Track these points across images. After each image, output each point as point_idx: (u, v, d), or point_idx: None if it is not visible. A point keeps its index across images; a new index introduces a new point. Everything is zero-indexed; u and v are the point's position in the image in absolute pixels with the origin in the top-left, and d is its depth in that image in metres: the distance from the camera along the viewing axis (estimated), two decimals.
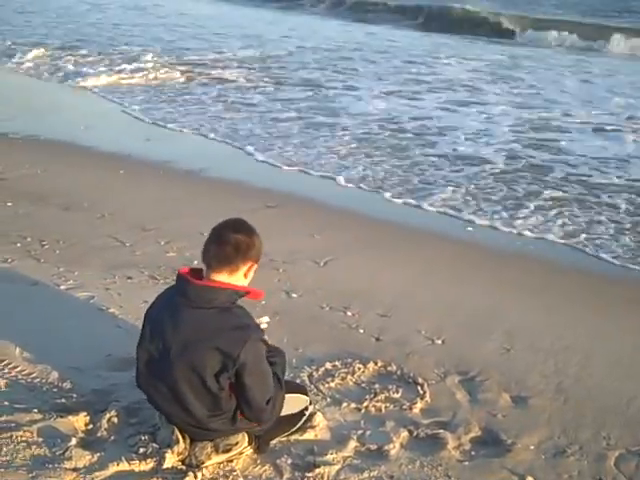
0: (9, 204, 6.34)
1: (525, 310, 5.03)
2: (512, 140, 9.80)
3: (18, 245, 5.45)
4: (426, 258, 5.90)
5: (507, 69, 15.85)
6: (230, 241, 2.96)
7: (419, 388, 3.86)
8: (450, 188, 7.72)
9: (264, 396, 3.05)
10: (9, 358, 3.80)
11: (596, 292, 5.54)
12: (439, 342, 4.46)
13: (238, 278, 3.04)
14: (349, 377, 3.90)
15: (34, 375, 3.67)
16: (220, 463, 3.10)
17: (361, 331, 4.50)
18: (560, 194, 7.70)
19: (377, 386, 3.85)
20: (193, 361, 2.93)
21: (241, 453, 3.14)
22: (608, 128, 10.75)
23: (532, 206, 7.27)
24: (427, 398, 3.79)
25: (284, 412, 3.25)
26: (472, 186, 7.86)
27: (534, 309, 5.07)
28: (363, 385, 3.86)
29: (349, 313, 4.73)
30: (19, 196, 6.56)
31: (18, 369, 3.71)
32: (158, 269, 5.17)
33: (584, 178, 8.30)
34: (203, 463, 3.06)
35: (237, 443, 3.11)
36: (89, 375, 3.70)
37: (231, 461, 3.12)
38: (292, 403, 3.31)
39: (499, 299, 5.18)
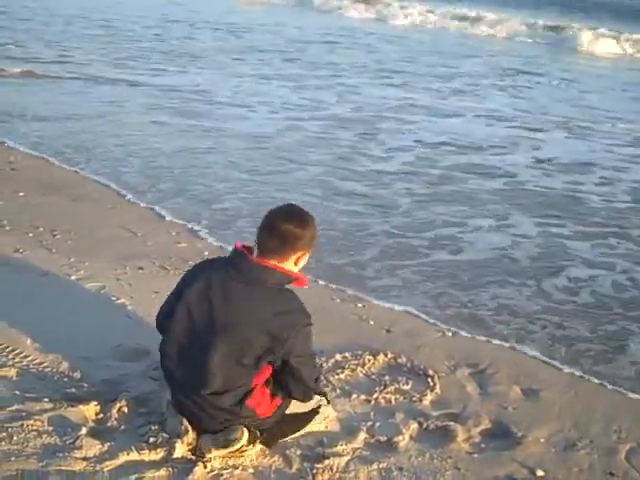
0: (21, 194, 6.36)
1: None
2: None
3: (30, 235, 5.46)
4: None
5: None
6: (278, 232, 2.96)
7: (429, 380, 3.85)
8: None
9: (312, 376, 3.16)
10: (20, 347, 3.81)
11: None
12: (449, 334, 4.45)
13: (289, 265, 3.05)
14: (359, 369, 3.90)
15: (45, 364, 3.68)
16: (230, 455, 3.09)
17: (371, 322, 4.50)
18: None
19: (387, 378, 3.84)
20: (239, 337, 2.95)
21: (241, 451, 3.10)
22: None
23: None
24: (437, 390, 3.78)
25: (297, 409, 3.25)
26: None
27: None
28: (373, 377, 3.85)
29: (359, 305, 4.73)
30: (31, 186, 6.58)
31: (29, 358, 3.73)
32: (169, 260, 5.17)
33: None
34: (204, 457, 3.06)
35: (235, 440, 3.07)
36: (99, 365, 3.71)
37: (239, 455, 3.12)
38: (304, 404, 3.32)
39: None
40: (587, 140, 10.10)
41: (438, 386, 3.81)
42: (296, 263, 3.07)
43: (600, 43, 19.00)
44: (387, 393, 3.70)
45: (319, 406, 3.35)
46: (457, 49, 17.83)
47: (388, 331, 4.40)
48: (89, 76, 11.80)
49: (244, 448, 3.10)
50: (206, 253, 5.25)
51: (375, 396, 3.67)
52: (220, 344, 2.97)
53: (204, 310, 3.01)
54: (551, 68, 15.52)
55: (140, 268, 5.02)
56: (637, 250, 6.30)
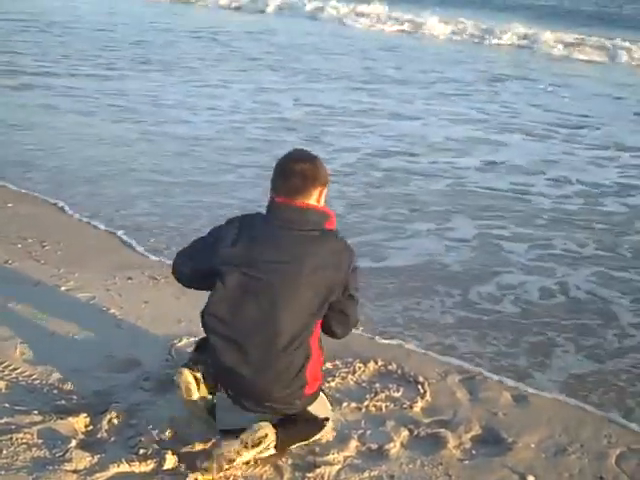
0: (9, 205, 6.34)
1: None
2: None
3: (19, 246, 5.45)
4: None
5: None
6: (296, 172, 3.06)
7: (419, 387, 3.86)
8: None
9: (356, 311, 3.29)
10: (9, 360, 3.80)
11: None
12: (433, 339, 4.47)
13: (313, 203, 3.14)
14: (349, 376, 3.90)
15: (34, 377, 3.67)
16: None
17: (361, 329, 4.50)
18: None
19: (378, 385, 3.84)
20: (302, 282, 3.00)
21: (268, 448, 3.06)
22: None
23: None
24: (427, 397, 3.78)
25: (317, 411, 3.26)
26: None
27: None
28: (364, 384, 3.85)
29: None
30: (19, 197, 6.56)
31: (18, 371, 3.72)
32: (159, 269, 5.17)
33: None
34: (233, 461, 2.99)
35: (266, 435, 3.04)
36: (89, 376, 3.70)
37: (255, 462, 3.10)
38: (323, 405, 3.33)
39: None
40: (549, 143, 9.84)
41: (428, 393, 3.81)
42: (318, 201, 3.14)
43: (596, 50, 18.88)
44: (378, 401, 3.70)
45: (327, 418, 3.35)
46: (451, 55, 17.79)
47: (378, 338, 4.40)
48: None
49: (270, 445, 3.07)
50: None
51: (366, 404, 3.67)
52: (284, 292, 2.99)
53: (256, 262, 3.03)
54: (543, 74, 15.45)
55: (129, 278, 5.01)
56: (578, 254, 6.10)
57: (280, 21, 22.74)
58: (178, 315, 4.44)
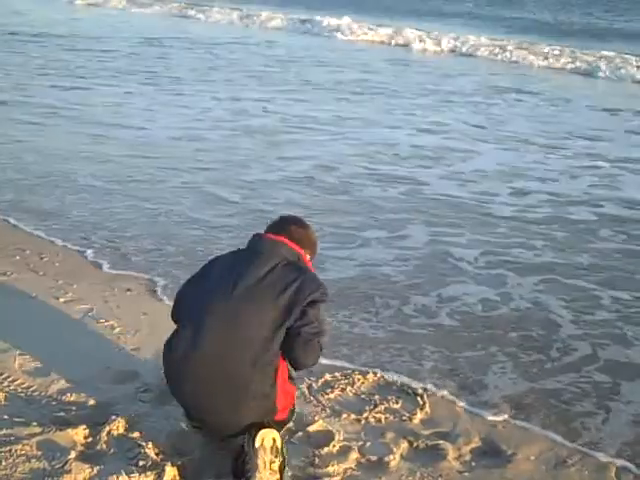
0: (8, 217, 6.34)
1: None
2: None
3: (17, 258, 5.44)
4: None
5: None
6: (285, 230, 3.29)
7: (419, 399, 3.86)
8: None
9: (322, 338, 3.22)
10: (8, 371, 3.80)
11: None
12: (439, 351, 4.46)
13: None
14: (349, 388, 3.89)
15: (33, 388, 3.67)
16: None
17: (359, 342, 4.49)
18: None
19: (377, 397, 3.83)
20: (256, 306, 3.07)
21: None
22: None
23: None
24: (427, 409, 3.78)
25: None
26: None
27: None
28: (363, 396, 3.85)
29: (348, 323, 4.73)
30: (18, 209, 6.56)
31: (17, 382, 3.71)
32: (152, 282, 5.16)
33: None
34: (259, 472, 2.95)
35: (274, 440, 3.05)
36: (88, 388, 3.69)
37: None
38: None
39: None
40: (522, 153, 9.60)
41: (428, 405, 3.81)
42: (304, 257, 3.31)
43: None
44: (377, 412, 3.69)
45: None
46: (455, 67, 17.69)
47: (376, 348, 4.40)
48: None
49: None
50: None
51: (365, 415, 3.66)
52: (242, 313, 3.07)
53: (228, 280, 3.13)
54: (548, 87, 15.34)
55: (128, 290, 5.01)
56: (531, 263, 5.92)
57: (278, 36, 22.75)
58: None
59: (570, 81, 16.84)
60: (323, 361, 3.88)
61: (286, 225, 3.33)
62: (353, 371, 4.05)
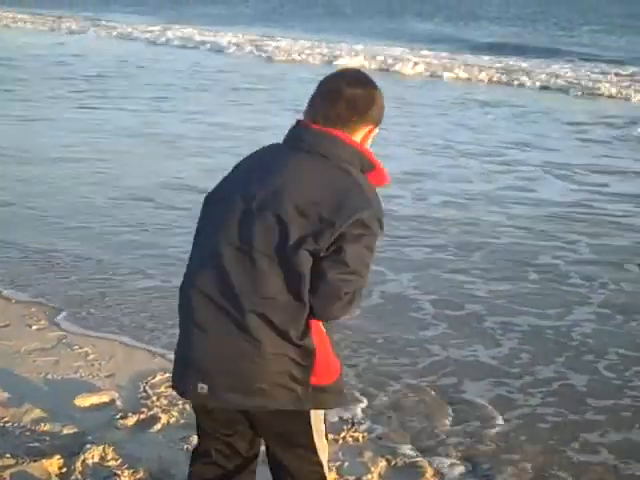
0: None
1: None
2: None
3: None
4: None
5: None
6: (344, 96, 2.23)
7: (396, 416, 3.85)
8: None
9: (351, 283, 2.14)
10: None
11: None
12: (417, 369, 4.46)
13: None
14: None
15: (6, 419, 3.61)
16: None
17: None
18: None
19: (355, 416, 3.83)
20: (280, 216, 2.12)
21: None
22: None
23: None
24: (406, 426, 3.78)
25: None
26: None
27: None
28: (340, 416, 3.84)
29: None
30: None
31: None
32: (126, 308, 5.13)
33: None
34: None
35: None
36: (62, 417, 3.65)
37: None
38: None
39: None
40: (437, 156, 9.93)
41: (407, 422, 3.80)
42: (363, 142, 2.29)
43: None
44: (355, 432, 3.68)
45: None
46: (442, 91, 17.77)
47: (354, 367, 4.39)
48: None
49: None
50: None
51: (343, 435, 3.65)
52: (261, 227, 2.15)
53: (248, 183, 2.23)
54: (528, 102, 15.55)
55: (101, 314, 4.96)
56: (406, 260, 6.14)
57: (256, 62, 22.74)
58: (152, 350, 4.41)
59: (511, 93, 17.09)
60: None
61: (353, 99, 2.23)
62: None
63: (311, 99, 2.30)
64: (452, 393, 4.17)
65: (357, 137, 2.26)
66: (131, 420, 3.64)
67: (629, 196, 8.40)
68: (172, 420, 3.65)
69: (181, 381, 2.30)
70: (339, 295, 2.14)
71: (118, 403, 3.82)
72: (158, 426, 3.59)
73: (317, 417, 2.32)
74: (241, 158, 2.36)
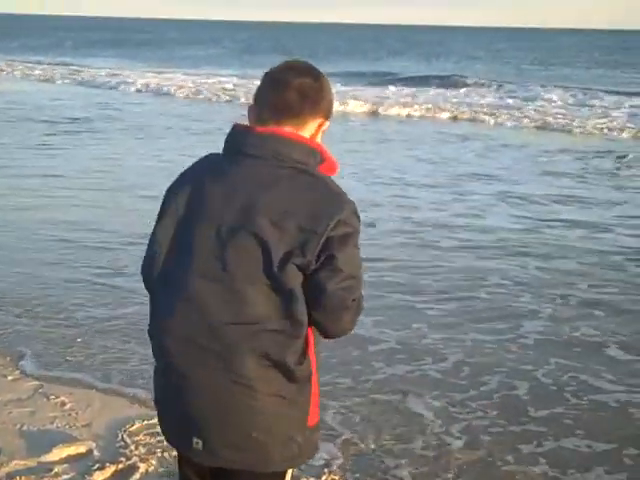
0: None
1: None
2: None
3: None
4: None
5: None
6: (293, 85, 2.05)
7: (373, 453, 3.83)
8: None
9: (353, 289, 1.99)
10: None
11: None
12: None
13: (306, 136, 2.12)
14: None
15: None
16: None
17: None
18: None
19: (336, 460, 3.80)
20: (258, 235, 1.95)
21: None
22: None
23: None
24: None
25: None
26: None
27: None
28: (323, 459, 3.80)
29: None
30: None
31: None
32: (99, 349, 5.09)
33: None
34: None
35: None
36: (39, 470, 3.58)
37: None
38: None
39: None
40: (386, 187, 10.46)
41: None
42: (314, 136, 2.12)
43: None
44: (335, 474, 3.66)
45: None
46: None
47: (325, 406, 4.38)
48: None
49: None
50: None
51: (324, 477, 3.63)
52: (237, 253, 1.97)
53: (197, 220, 2.03)
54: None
55: (74, 366, 4.90)
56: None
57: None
58: (130, 398, 4.37)
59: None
60: None
61: (303, 89, 2.06)
62: None
63: (257, 93, 2.13)
64: (399, 406, 4.34)
65: (307, 131, 2.10)
66: (109, 470, 3.59)
67: (583, 223, 8.73)
68: (151, 469, 3.61)
69: (174, 436, 2.15)
70: (346, 304, 1.98)
71: (95, 453, 3.77)
72: (137, 476, 3.55)
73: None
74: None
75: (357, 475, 3.65)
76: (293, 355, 1.98)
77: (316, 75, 2.11)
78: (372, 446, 3.93)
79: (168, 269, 2.06)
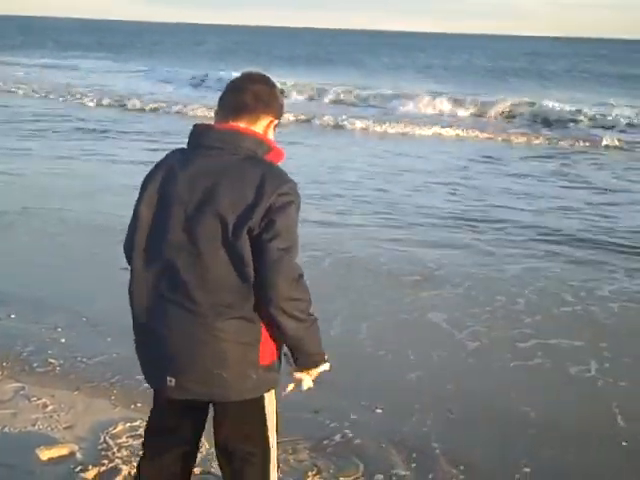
0: None
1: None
2: None
3: None
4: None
5: None
6: (249, 89, 2.59)
7: (359, 461, 3.84)
8: None
9: (292, 267, 2.42)
10: None
11: None
12: (379, 411, 4.46)
13: (258, 130, 2.60)
14: (290, 456, 3.84)
15: None
16: None
17: (299, 407, 4.45)
18: None
19: (319, 463, 3.81)
20: (217, 210, 2.40)
21: None
22: None
23: None
24: (370, 470, 3.76)
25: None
26: None
27: None
28: (305, 462, 3.81)
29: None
30: None
31: None
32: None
33: None
34: None
35: None
36: (21, 472, 3.56)
37: None
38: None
39: None
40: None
41: (371, 466, 3.79)
42: (265, 132, 2.61)
43: None
44: (320, 478, 3.66)
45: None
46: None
47: (316, 412, 4.38)
48: None
49: None
50: None
51: None
52: (202, 229, 2.42)
53: (168, 206, 2.48)
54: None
55: (59, 366, 4.88)
56: None
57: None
58: (112, 400, 4.35)
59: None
60: None
61: (257, 92, 2.59)
62: (295, 438, 4.02)
63: (220, 98, 2.64)
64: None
65: (260, 126, 2.59)
66: (91, 473, 3.58)
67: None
68: (133, 471, 3.57)
69: (152, 378, 2.60)
70: (282, 261, 2.38)
71: (78, 455, 3.75)
72: (119, 478, 3.55)
73: (270, 400, 2.63)
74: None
75: None
76: (248, 307, 2.42)
77: (270, 83, 2.66)
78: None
79: (148, 243, 2.51)
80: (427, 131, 18.43)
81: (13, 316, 5.67)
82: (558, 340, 5.58)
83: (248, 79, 2.66)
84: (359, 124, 19.08)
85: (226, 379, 2.46)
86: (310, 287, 2.48)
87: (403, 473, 3.77)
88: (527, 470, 3.85)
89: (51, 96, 23.72)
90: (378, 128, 18.84)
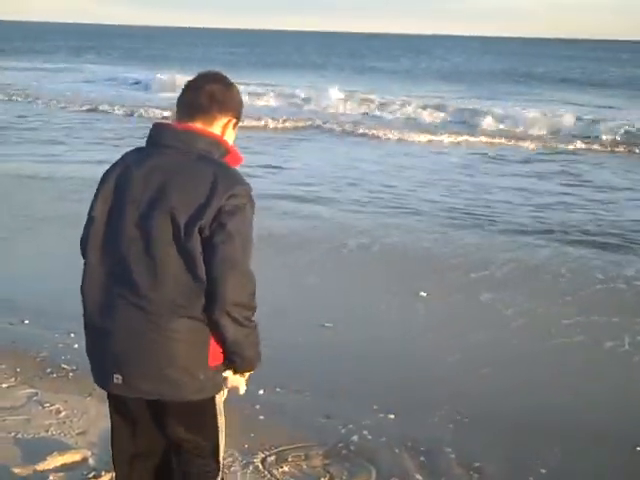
0: None
1: None
2: None
3: None
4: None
5: None
6: (204, 89, 2.56)
7: (371, 466, 3.82)
8: None
9: (241, 271, 2.41)
10: None
11: None
12: (391, 416, 4.44)
13: (215, 131, 2.58)
14: (303, 462, 3.84)
15: None
16: None
17: (311, 412, 4.45)
18: None
19: (332, 469, 3.79)
20: (169, 209, 2.39)
21: None
22: None
23: None
24: (383, 475, 3.74)
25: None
26: None
27: None
28: (317, 468, 3.80)
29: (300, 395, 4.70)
30: None
31: None
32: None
33: None
34: None
35: None
36: (34, 478, 3.57)
37: None
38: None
39: None
40: None
41: (383, 473, 3.77)
42: (223, 132, 2.59)
43: None
44: None
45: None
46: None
47: (328, 417, 4.36)
48: None
49: None
50: None
51: None
52: (156, 228, 2.41)
53: (122, 203, 2.48)
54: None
55: (72, 371, 4.89)
56: None
57: None
58: None
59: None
60: (275, 434, 3.84)
61: (211, 92, 2.56)
62: (307, 443, 4.01)
63: (178, 98, 2.61)
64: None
65: (217, 126, 2.57)
66: (104, 479, 3.58)
67: None
68: None
69: (99, 375, 2.56)
70: (231, 265, 2.35)
71: (91, 461, 3.75)
72: None
73: (219, 401, 2.59)
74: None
75: None
76: (198, 306, 2.38)
77: (226, 83, 2.63)
78: None
79: (103, 239, 2.49)
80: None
81: (27, 322, 5.69)
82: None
83: (203, 79, 2.62)
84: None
85: (175, 378, 2.43)
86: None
87: (417, 478, 3.76)
88: (543, 471, 3.83)
89: None
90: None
